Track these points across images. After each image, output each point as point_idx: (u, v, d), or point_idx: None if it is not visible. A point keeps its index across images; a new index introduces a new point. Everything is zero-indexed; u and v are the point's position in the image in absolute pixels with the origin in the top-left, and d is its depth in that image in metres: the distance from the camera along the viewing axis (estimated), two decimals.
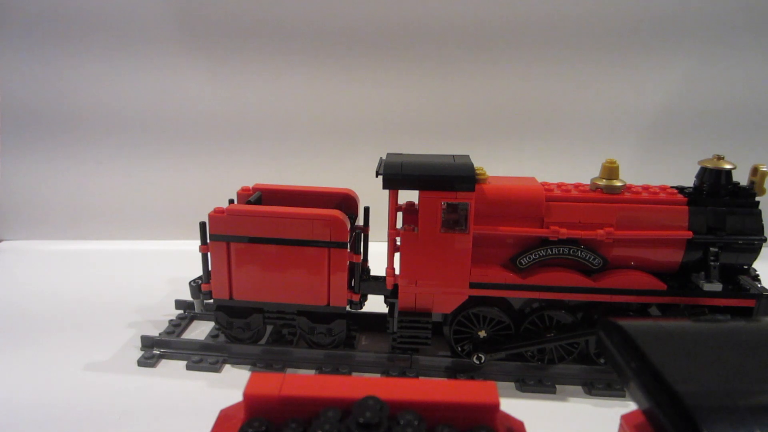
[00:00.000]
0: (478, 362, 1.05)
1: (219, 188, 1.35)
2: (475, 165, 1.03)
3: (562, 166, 1.77)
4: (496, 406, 0.45)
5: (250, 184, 1.22)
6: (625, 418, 0.45)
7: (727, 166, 1.04)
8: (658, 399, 0.38)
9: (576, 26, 1.69)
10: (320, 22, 1.68)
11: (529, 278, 1.04)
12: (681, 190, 1.08)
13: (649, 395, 0.38)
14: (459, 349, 1.09)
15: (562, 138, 1.78)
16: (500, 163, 1.74)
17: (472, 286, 1.04)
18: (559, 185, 1.08)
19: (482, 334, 1.08)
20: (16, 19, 1.64)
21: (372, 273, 1.15)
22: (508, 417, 0.48)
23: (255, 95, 1.74)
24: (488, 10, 1.67)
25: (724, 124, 1.77)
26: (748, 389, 0.37)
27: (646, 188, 1.07)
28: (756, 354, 0.41)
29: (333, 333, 1.11)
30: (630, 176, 1.12)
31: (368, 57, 1.71)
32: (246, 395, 0.46)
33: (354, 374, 1.11)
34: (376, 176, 1.02)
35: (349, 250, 1.06)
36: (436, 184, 0.99)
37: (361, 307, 1.13)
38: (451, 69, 1.72)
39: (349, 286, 1.09)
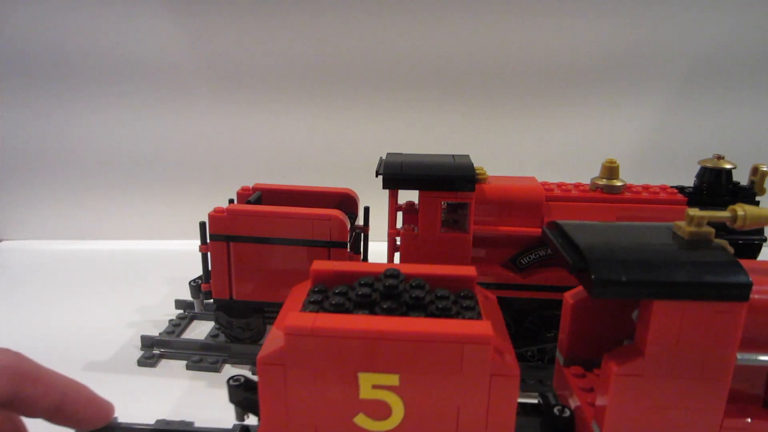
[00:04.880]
0: None
1: (219, 189, 1.35)
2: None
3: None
4: (475, 277, 0.66)
5: (250, 184, 1.23)
6: (566, 294, 0.72)
7: (728, 166, 1.04)
8: (571, 253, 0.61)
9: None
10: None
11: (529, 278, 1.04)
12: (681, 189, 1.08)
13: (567, 252, 0.62)
14: None
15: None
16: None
17: None
18: (559, 185, 1.08)
19: None
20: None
21: None
22: (483, 289, 0.68)
23: (256, 107, 1.75)
24: None
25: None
26: (625, 251, 0.59)
27: (646, 188, 1.08)
28: (642, 237, 0.62)
29: None
30: (631, 176, 1.12)
31: (370, 78, 1.73)
32: (312, 270, 0.67)
33: None
34: (376, 176, 1.02)
35: (349, 249, 1.06)
36: (436, 184, 0.99)
37: None
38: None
39: None
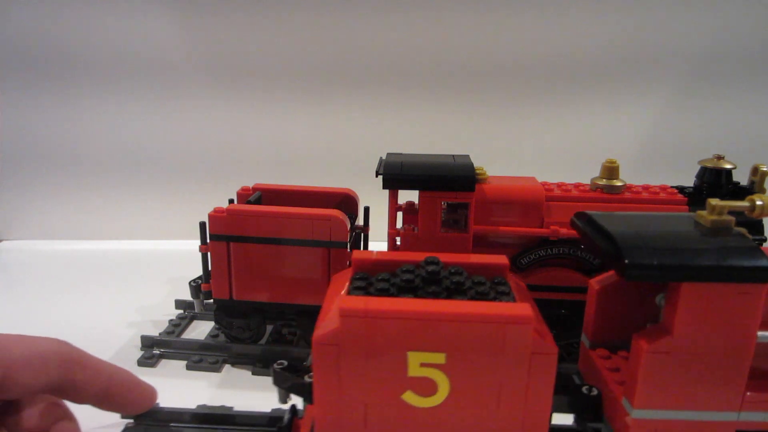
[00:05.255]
0: None
1: (219, 189, 1.34)
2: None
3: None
4: (507, 265, 0.72)
5: (250, 184, 1.23)
6: (592, 281, 0.76)
7: (727, 166, 1.04)
8: (603, 241, 0.65)
9: None
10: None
11: (530, 278, 1.04)
12: (681, 189, 1.08)
13: (598, 238, 0.67)
14: None
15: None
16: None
17: None
18: (559, 185, 1.08)
19: None
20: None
21: None
22: (513, 277, 0.73)
23: (255, 108, 1.75)
24: None
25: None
26: (654, 238, 0.63)
27: (646, 188, 1.07)
28: (667, 225, 0.67)
29: None
30: (632, 174, 1.12)
31: (369, 77, 1.73)
32: (353, 259, 0.72)
33: None
34: (376, 176, 1.02)
35: (349, 249, 1.06)
36: (436, 184, 0.99)
37: None
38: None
39: None
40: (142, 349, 1.15)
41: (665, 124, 1.78)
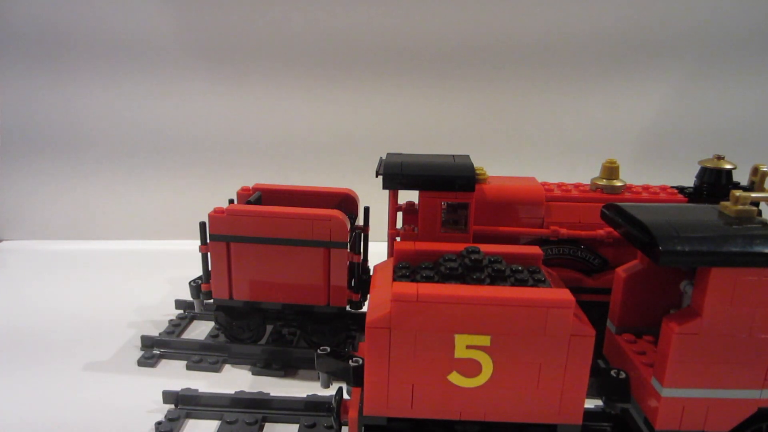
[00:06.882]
0: None
1: (219, 189, 1.35)
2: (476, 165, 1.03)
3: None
4: (541, 255, 0.78)
5: (250, 184, 1.23)
6: (618, 270, 0.82)
7: (728, 166, 1.04)
8: (634, 230, 0.71)
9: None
10: (320, 42, 1.69)
11: None
12: (681, 190, 1.08)
13: (631, 227, 0.72)
14: None
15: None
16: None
17: None
18: (560, 185, 1.08)
19: None
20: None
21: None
22: (547, 269, 0.78)
23: (255, 106, 1.75)
24: (487, 29, 1.68)
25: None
26: (684, 227, 0.67)
27: (646, 188, 1.07)
28: (694, 215, 0.71)
29: (333, 333, 1.11)
30: (630, 176, 1.12)
31: (368, 73, 1.72)
32: (396, 250, 0.77)
33: None
34: (376, 176, 1.01)
35: (349, 249, 1.06)
36: (436, 184, 0.98)
37: (361, 307, 1.13)
38: (449, 83, 1.73)
39: (350, 286, 1.09)
40: (142, 349, 1.15)
41: (668, 118, 1.77)
